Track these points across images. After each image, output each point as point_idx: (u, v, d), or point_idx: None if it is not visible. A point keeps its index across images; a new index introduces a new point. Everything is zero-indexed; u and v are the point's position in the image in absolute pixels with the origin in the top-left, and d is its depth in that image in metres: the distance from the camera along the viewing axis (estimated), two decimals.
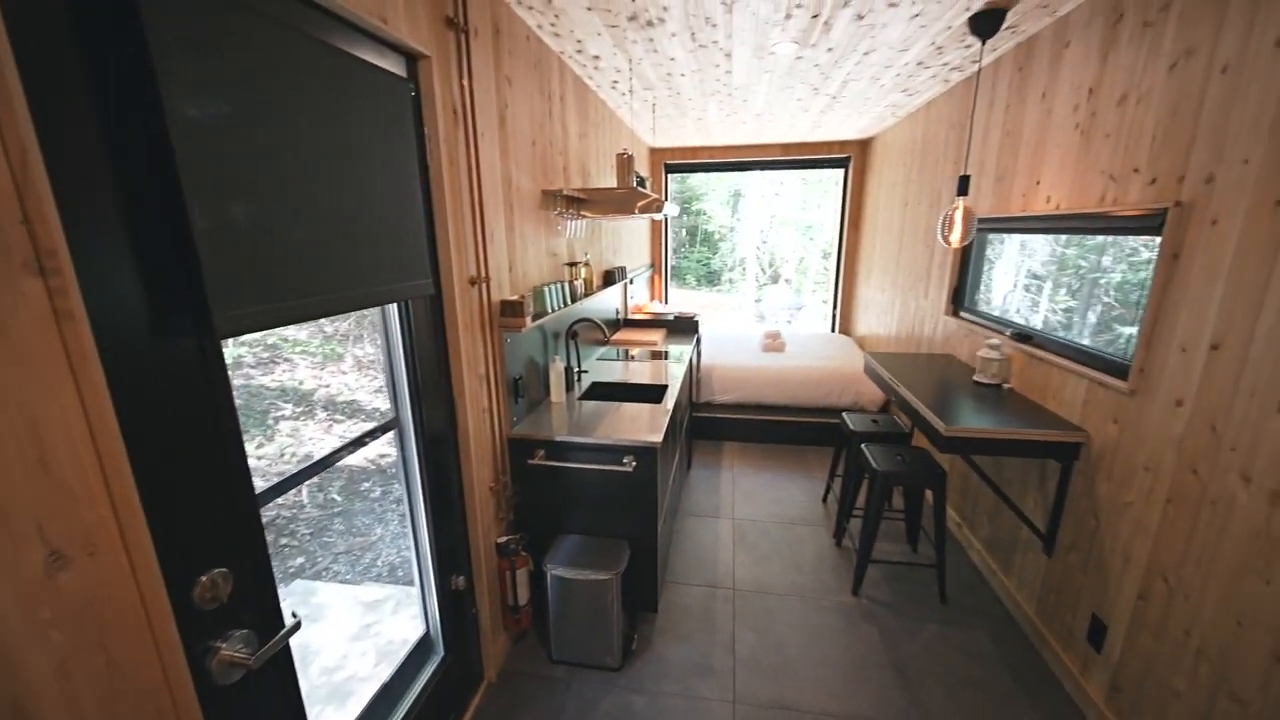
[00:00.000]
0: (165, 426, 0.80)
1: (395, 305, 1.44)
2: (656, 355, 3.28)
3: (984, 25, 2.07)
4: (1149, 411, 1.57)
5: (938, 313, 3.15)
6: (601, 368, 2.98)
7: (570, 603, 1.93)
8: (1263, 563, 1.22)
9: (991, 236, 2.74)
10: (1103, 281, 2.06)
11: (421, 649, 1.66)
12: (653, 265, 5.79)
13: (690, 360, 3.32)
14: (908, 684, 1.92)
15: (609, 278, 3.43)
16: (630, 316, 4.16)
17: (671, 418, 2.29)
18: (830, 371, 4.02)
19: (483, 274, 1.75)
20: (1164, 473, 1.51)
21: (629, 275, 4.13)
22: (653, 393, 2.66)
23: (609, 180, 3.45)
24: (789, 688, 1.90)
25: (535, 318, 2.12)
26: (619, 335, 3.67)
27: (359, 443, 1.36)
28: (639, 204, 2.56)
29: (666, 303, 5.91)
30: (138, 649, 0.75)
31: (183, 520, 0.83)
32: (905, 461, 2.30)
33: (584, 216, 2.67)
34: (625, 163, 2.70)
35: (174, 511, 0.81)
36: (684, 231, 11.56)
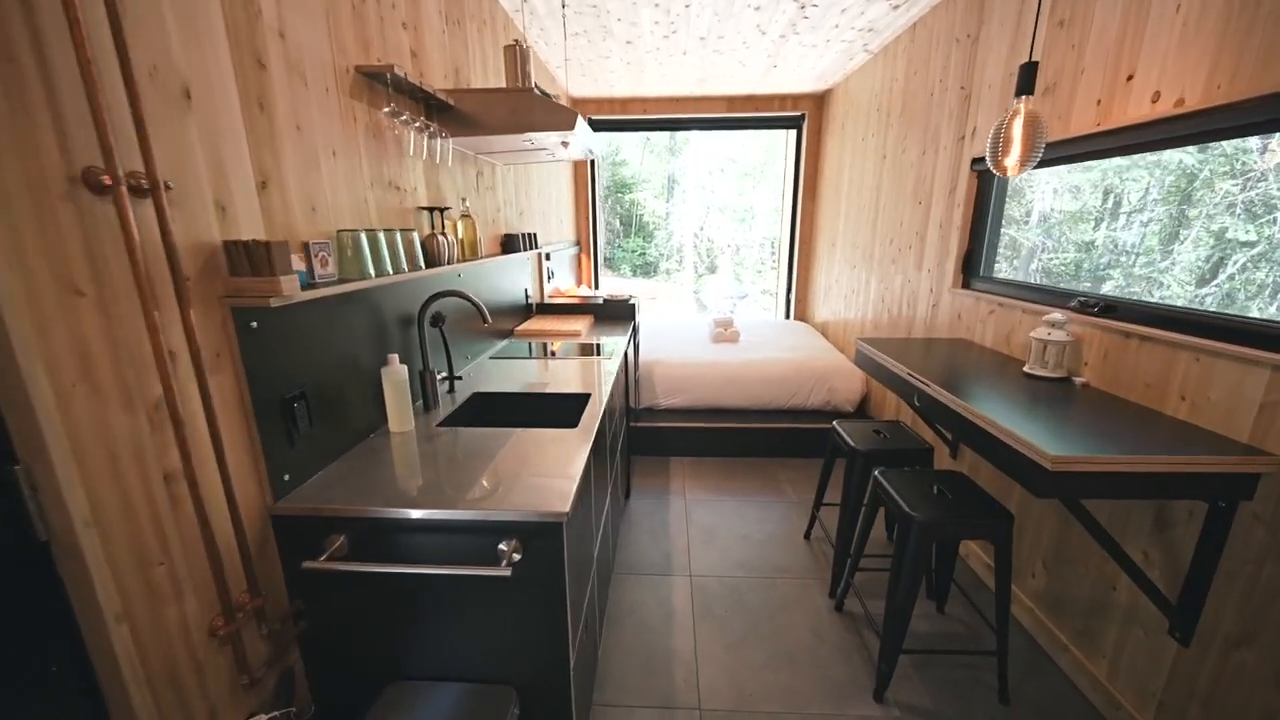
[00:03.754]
0: None
1: None
2: (586, 351, 2.36)
3: None
4: None
5: (940, 287, 2.46)
6: (496, 370, 2.03)
7: None
8: None
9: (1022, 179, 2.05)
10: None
11: None
12: (579, 243, 4.85)
13: (625, 355, 2.44)
14: None
15: (508, 244, 2.48)
16: (548, 301, 3.22)
17: (595, 446, 1.40)
18: (796, 365, 3.28)
19: (145, 175, 0.78)
20: None
21: (544, 249, 3.18)
22: (569, 406, 1.75)
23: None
24: None
25: (336, 282, 1.16)
26: (528, 325, 2.73)
27: None
28: (539, 114, 1.65)
29: (597, 288, 4.99)
30: None
31: None
32: (951, 500, 1.54)
33: (453, 136, 1.71)
34: (518, 55, 1.77)
35: None
36: (618, 221, 10.67)
